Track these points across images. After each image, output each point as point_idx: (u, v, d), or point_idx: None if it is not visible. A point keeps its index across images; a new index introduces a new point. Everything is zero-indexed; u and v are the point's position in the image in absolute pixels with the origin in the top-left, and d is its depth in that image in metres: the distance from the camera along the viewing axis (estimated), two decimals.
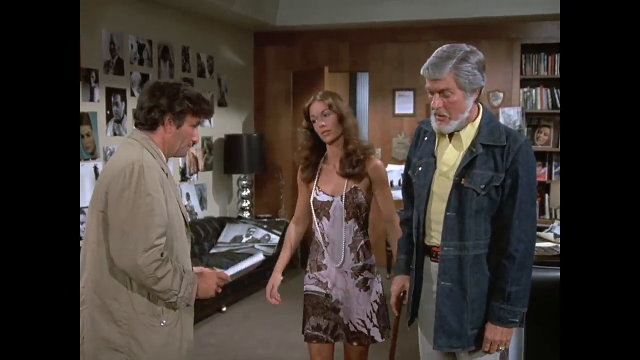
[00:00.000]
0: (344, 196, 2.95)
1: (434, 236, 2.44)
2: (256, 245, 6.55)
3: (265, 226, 6.77)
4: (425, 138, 2.54)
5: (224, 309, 5.77)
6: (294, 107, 7.42)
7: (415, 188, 2.52)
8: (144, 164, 2.27)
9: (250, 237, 6.65)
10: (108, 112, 5.42)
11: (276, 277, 3.16)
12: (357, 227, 2.98)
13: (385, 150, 7.38)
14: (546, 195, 6.80)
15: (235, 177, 7.39)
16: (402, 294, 2.66)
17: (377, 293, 3.01)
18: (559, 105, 6.73)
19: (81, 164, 5.04)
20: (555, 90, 6.81)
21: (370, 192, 3.01)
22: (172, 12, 6.23)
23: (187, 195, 6.61)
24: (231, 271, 2.58)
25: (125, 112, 5.59)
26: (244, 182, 7.29)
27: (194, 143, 2.50)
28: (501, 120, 6.64)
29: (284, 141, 7.57)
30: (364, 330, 2.99)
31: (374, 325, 2.99)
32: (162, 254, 2.24)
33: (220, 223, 6.76)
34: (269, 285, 3.16)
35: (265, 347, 4.96)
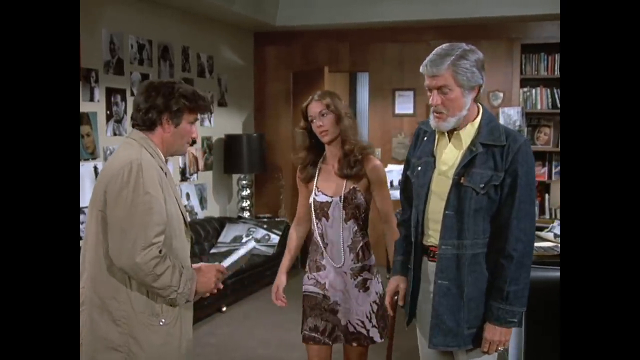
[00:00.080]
0: (342, 197, 2.94)
1: (432, 235, 2.45)
2: (256, 245, 6.56)
3: (265, 226, 6.78)
4: (425, 138, 2.54)
5: (224, 308, 5.77)
6: (294, 107, 7.42)
7: (415, 187, 2.52)
8: (143, 163, 2.28)
9: (250, 237, 6.65)
10: (108, 112, 5.42)
11: (281, 278, 3.15)
12: (356, 227, 2.97)
13: (385, 150, 7.38)
14: (546, 195, 6.80)
15: (235, 177, 7.39)
16: (396, 297, 2.65)
17: (376, 293, 3.00)
18: (559, 105, 6.73)
19: (81, 164, 5.04)
20: (555, 90, 6.81)
21: (370, 192, 2.99)
22: (172, 12, 6.23)
23: (187, 195, 6.61)
24: (226, 263, 2.59)
25: (125, 112, 5.59)
26: (244, 182, 7.30)
27: (193, 140, 2.50)
28: (501, 120, 6.64)
29: (284, 141, 7.57)
30: (363, 331, 2.98)
31: (373, 326, 2.98)
32: (160, 251, 2.25)
33: (220, 223, 6.76)
34: (274, 287, 3.15)
35: (266, 347, 4.96)
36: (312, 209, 3.02)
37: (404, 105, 7.35)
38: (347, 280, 2.99)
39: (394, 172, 5.96)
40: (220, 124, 7.16)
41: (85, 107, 5.11)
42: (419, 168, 2.50)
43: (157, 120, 2.38)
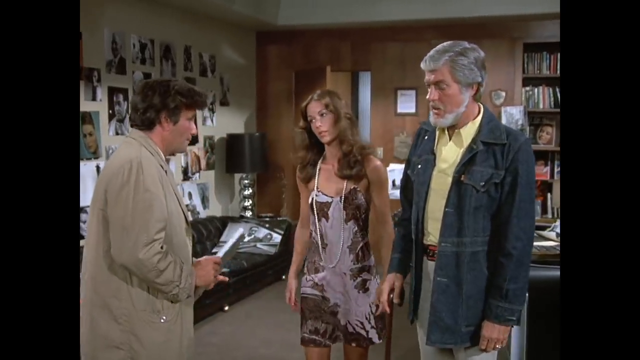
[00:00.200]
0: (343, 197, 2.92)
1: (432, 234, 2.45)
2: (258, 245, 6.57)
3: (267, 225, 6.78)
4: (426, 137, 2.55)
5: (226, 308, 5.77)
6: (295, 107, 7.41)
7: (415, 185, 2.52)
8: (142, 161, 2.29)
9: (253, 236, 6.66)
10: (110, 111, 5.43)
11: (292, 283, 3.14)
12: (356, 228, 2.95)
13: (387, 149, 7.38)
14: (548, 195, 6.79)
15: (237, 176, 7.40)
16: (392, 295, 2.65)
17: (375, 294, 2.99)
18: None
19: (83, 163, 5.06)
20: (557, 89, 6.80)
21: (370, 192, 2.96)
22: (174, 12, 6.24)
23: (190, 195, 6.62)
24: (220, 253, 2.61)
25: (127, 111, 5.59)
26: (246, 181, 7.30)
27: (193, 137, 2.51)
28: (503, 120, 6.65)
29: (285, 140, 7.58)
30: (362, 332, 2.97)
31: (372, 327, 2.96)
32: (162, 247, 2.26)
33: (222, 222, 6.77)
34: (288, 293, 3.13)
35: (267, 346, 4.97)
36: (312, 210, 3.00)
37: (406, 104, 7.36)
38: (346, 281, 2.97)
39: (396, 171, 5.95)
40: (223, 123, 7.17)
41: (87, 106, 5.12)
42: (419, 166, 2.50)
43: (156, 119, 2.39)
